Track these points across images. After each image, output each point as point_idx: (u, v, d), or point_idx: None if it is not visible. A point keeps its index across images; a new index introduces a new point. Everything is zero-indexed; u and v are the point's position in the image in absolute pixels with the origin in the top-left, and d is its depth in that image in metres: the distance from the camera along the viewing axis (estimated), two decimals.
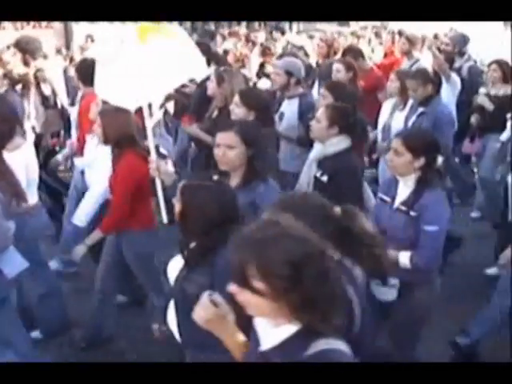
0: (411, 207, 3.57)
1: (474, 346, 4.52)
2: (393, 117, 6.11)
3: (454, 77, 7.21)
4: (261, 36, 11.70)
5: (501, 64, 6.85)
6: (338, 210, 2.41)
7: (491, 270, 5.71)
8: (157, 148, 8.93)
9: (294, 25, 22.92)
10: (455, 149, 7.33)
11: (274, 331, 1.98)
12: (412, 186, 3.64)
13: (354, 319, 2.31)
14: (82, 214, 4.84)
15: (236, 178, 3.60)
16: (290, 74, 5.67)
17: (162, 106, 8.76)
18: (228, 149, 3.55)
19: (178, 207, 2.94)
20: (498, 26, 8.70)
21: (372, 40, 11.19)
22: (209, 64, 6.50)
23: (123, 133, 4.38)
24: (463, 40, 8.37)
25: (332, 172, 4.29)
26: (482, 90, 6.86)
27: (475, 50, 8.28)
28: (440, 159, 3.69)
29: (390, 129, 5.99)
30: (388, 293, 3.68)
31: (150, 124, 4.18)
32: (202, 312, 2.22)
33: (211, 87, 5.65)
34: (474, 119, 6.83)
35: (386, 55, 9.61)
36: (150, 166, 4.05)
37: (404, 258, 3.58)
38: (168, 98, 8.26)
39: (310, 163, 4.54)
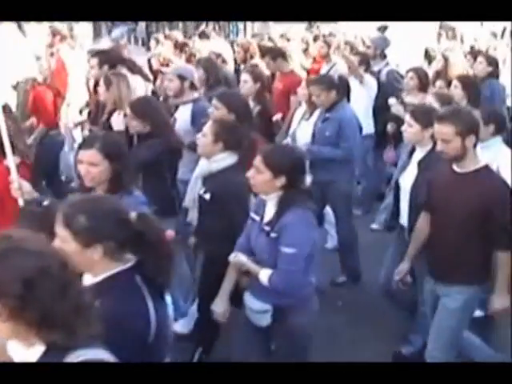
0: (273, 228, 3.46)
1: (421, 352, 4.46)
2: (299, 126, 5.98)
3: (369, 79, 7.14)
4: (195, 41, 11.48)
5: (417, 72, 6.78)
6: (133, 215, 2.44)
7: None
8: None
9: (249, 27, 22.90)
10: (376, 155, 7.23)
11: (25, 355, 1.89)
12: (275, 205, 3.50)
13: (150, 328, 2.36)
14: None
15: (100, 192, 3.57)
16: (182, 78, 5.56)
17: (81, 111, 8.52)
18: (91, 166, 3.52)
19: None
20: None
21: (311, 44, 10.97)
22: (114, 68, 6.37)
23: None
24: (384, 43, 8.31)
25: (215, 190, 4.16)
26: (392, 101, 6.73)
27: (395, 55, 8.19)
28: (308, 179, 3.58)
29: (296, 138, 5.88)
30: (262, 318, 3.60)
31: (6, 137, 3.88)
32: None
33: (101, 92, 5.60)
34: (389, 127, 6.73)
35: (314, 60, 9.47)
36: (12, 187, 3.82)
37: (263, 275, 3.49)
38: (87, 105, 8.04)
39: (195, 180, 4.43)
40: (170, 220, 4.81)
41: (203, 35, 11.32)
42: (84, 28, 15.07)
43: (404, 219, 4.56)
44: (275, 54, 7.35)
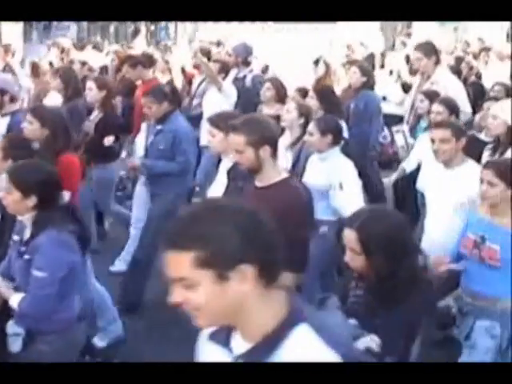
0: (27, 250, 3.27)
1: None
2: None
3: (228, 87, 7.07)
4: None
5: (274, 82, 6.71)
6: None
7: None
8: None
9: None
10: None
11: None
12: (31, 226, 3.32)
13: None
14: None
15: None
16: (2, 91, 5.39)
17: None
18: None
19: None
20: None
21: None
22: None
23: None
24: (245, 50, 8.27)
25: None
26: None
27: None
28: (66, 196, 3.45)
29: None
30: (14, 342, 3.31)
31: None
32: None
33: None
34: None
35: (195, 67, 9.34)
36: None
37: (14, 301, 3.27)
38: None
39: None
40: None
41: (95, 47, 11.09)
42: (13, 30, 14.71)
43: None
44: (134, 61, 7.19)
